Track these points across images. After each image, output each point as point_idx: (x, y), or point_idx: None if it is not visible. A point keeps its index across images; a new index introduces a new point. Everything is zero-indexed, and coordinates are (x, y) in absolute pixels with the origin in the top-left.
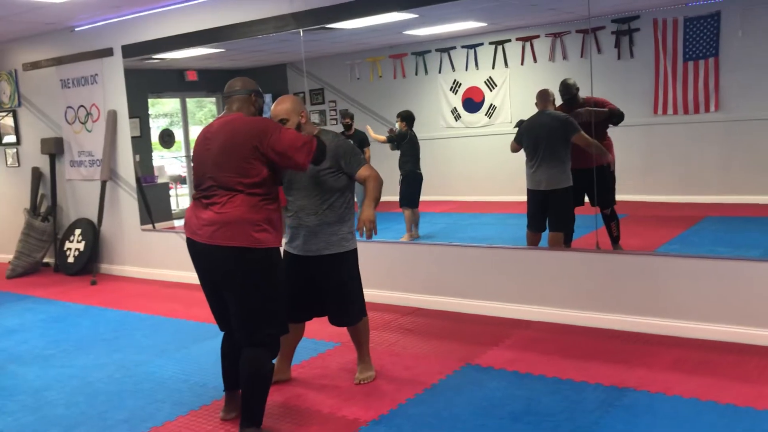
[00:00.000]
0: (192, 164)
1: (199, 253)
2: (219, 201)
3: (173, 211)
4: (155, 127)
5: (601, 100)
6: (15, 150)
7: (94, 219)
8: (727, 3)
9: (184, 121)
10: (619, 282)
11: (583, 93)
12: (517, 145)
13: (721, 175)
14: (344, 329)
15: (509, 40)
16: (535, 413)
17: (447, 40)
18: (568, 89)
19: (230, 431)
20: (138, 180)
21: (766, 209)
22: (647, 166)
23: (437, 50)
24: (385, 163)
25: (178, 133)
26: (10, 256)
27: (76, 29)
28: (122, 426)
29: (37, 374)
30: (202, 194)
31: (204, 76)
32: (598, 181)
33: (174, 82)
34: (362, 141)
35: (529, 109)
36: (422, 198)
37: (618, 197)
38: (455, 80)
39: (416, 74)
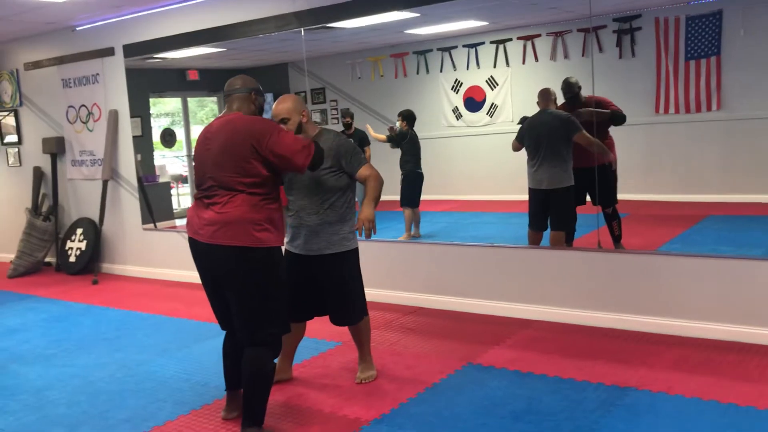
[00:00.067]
0: (193, 164)
1: (200, 252)
2: (220, 201)
3: (174, 211)
4: (156, 127)
5: (603, 100)
6: (16, 149)
7: (96, 218)
8: (729, 1)
9: (185, 120)
10: (620, 281)
11: (585, 92)
12: (518, 144)
13: (722, 174)
14: (345, 328)
15: (510, 39)
16: (536, 413)
17: (448, 39)
18: (570, 87)
19: (232, 431)
20: (139, 179)
21: (767, 208)
22: (649, 165)
23: (438, 49)
24: (386, 162)
25: (180, 133)
26: (11, 256)
27: (77, 29)
28: (124, 425)
29: (39, 374)
30: (203, 194)
31: (205, 75)
32: (599, 180)
33: (175, 82)
34: (362, 140)
35: (530, 108)
36: (423, 197)
37: (619, 196)
38: (456, 79)
39: (417, 73)
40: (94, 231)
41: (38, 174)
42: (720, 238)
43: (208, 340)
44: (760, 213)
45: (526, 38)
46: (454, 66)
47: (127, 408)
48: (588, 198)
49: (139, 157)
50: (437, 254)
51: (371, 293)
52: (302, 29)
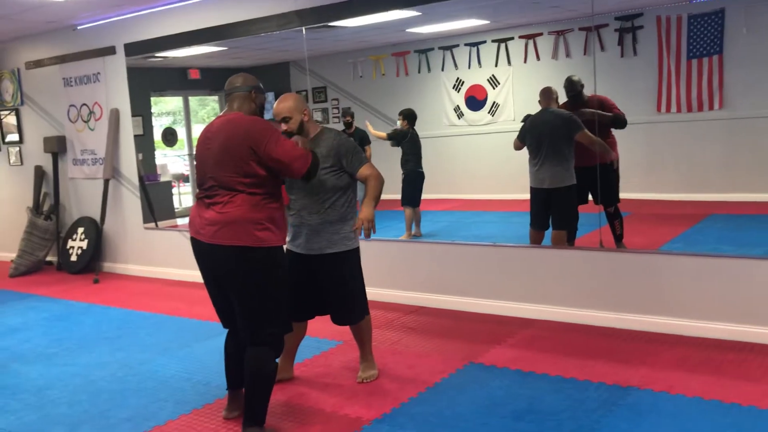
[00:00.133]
0: (195, 163)
1: (202, 252)
2: (221, 201)
3: (176, 210)
4: (158, 126)
5: (605, 100)
6: (18, 148)
7: (97, 217)
8: (731, 0)
9: (186, 119)
10: (622, 280)
11: (587, 91)
12: (520, 143)
13: (724, 173)
14: (347, 328)
15: (512, 38)
16: (537, 412)
17: (450, 37)
18: (573, 86)
19: (233, 430)
20: (141, 178)
21: None
22: (651, 164)
23: (440, 48)
24: (387, 161)
25: (181, 132)
26: (13, 255)
27: (79, 28)
28: (125, 424)
29: (40, 373)
30: (204, 194)
31: (206, 74)
32: (601, 179)
33: (176, 81)
34: (363, 139)
35: (532, 107)
36: (425, 196)
37: (621, 195)
38: (458, 78)
39: (419, 72)
40: (95, 230)
41: (39, 173)
42: (722, 237)
43: (209, 339)
44: (762, 212)
45: (527, 37)
46: (455, 65)
47: (129, 407)
48: (590, 197)
49: (140, 156)
50: (438, 253)
51: (372, 292)
52: (304, 28)
